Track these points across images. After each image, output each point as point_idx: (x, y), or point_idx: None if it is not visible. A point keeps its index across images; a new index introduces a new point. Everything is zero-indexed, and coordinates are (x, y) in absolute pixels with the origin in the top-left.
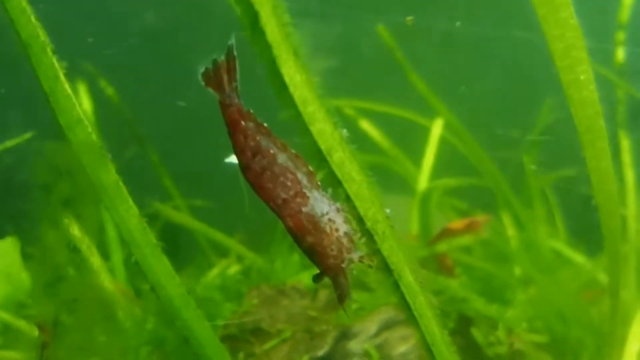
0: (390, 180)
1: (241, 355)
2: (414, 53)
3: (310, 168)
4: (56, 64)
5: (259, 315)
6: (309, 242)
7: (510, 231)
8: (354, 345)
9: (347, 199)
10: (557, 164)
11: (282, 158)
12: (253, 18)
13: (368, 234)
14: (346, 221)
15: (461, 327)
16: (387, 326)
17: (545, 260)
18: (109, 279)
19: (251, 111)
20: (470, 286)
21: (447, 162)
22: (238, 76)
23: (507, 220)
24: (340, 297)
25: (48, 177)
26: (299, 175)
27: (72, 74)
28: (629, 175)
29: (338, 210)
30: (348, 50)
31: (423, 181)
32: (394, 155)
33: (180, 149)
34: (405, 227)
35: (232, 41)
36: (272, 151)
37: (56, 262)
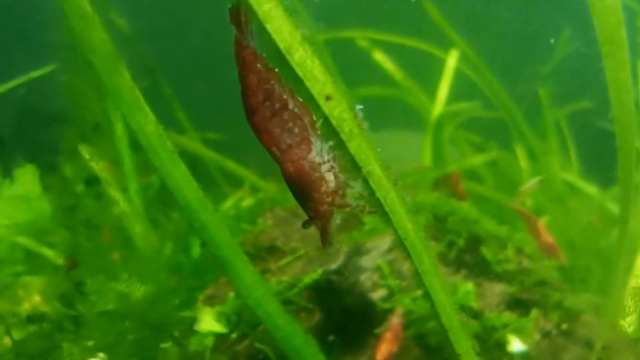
0: (403, 116)
1: (257, 270)
2: None
3: (314, 117)
4: None
5: (274, 234)
6: (307, 188)
7: (523, 163)
8: (366, 261)
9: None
10: (573, 97)
11: (291, 104)
12: None
13: (335, 133)
14: (342, 170)
15: (471, 245)
16: None
17: (557, 192)
18: (126, 207)
19: (264, 55)
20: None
21: (462, 94)
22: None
23: (520, 152)
24: (327, 241)
25: (65, 109)
26: (305, 123)
27: None
28: None
29: (335, 159)
30: None
31: (437, 111)
32: (408, 87)
33: (193, 82)
34: (418, 161)
35: None
36: (284, 96)
37: (75, 191)
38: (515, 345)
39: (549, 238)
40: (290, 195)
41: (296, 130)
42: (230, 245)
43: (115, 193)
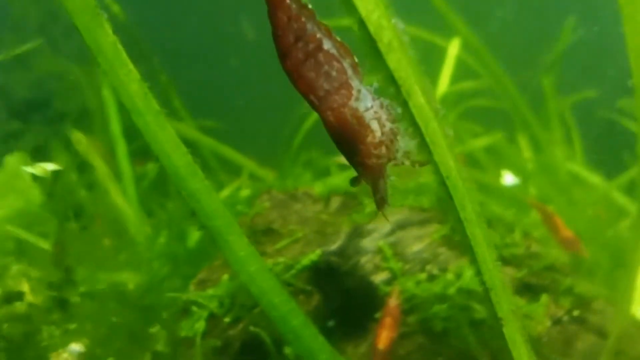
0: None
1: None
2: None
3: (356, 59)
4: None
5: (271, 217)
6: (351, 139)
7: (527, 153)
8: (367, 243)
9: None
10: (578, 86)
11: (327, 44)
12: None
13: (371, 43)
14: (390, 118)
15: None
16: (401, 226)
17: (561, 182)
18: (120, 196)
19: None
20: None
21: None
22: None
23: (523, 142)
24: (380, 201)
25: (57, 96)
26: (345, 65)
27: None
28: None
29: (382, 105)
30: None
31: (438, 94)
32: None
33: (190, 69)
34: None
35: None
36: (318, 36)
37: (67, 179)
38: (507, 178)
39: (568, 232)
40: (288, 185)
41: (333, 73)
42: (222, 215)
43: (108, 181)
